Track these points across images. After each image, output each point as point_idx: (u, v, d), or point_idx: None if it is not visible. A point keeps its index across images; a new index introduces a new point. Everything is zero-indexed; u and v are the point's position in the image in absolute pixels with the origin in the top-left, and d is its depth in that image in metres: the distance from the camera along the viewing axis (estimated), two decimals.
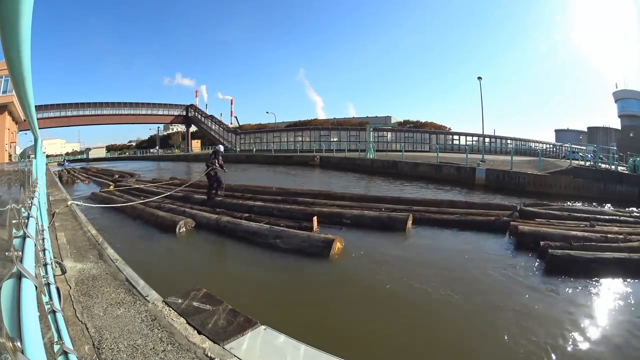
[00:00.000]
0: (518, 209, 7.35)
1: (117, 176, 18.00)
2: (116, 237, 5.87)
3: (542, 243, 5.05)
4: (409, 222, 6.54)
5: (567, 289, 4.04)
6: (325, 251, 4.82)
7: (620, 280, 4.18)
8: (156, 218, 7.16)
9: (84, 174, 21.94)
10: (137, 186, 12.43)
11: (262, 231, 5.67)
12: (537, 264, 4.75)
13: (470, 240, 6.00)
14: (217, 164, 9.06)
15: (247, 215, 6.96)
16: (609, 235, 5.20)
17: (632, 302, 3.73)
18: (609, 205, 9.19)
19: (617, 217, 6.72)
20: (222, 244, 5.83)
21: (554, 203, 8.61)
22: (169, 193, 9.74)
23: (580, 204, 9.43)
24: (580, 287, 4.07)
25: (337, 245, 5.03)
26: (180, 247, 5.63)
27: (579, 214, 6.87)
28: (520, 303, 3.71)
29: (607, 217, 6.78)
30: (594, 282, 4.17)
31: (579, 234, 5.38)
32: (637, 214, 7.24)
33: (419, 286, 4.09)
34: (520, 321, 3.32)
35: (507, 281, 4.30)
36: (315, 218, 6.26)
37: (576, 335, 3.09)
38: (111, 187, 13.06)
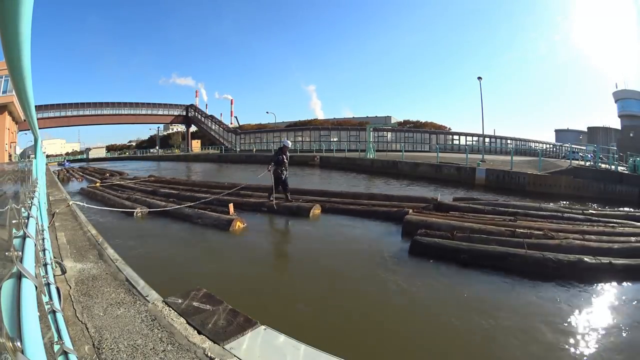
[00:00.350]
0: (437, 201, 7.72)
1: (107, 175, 19.59)
2: (97, 217, 7.90)
3: (419, 231, 5.43)
4: (316, 211, 7.69)
5: (417, 270, 4.60)
6: (227, 226, 6.60)
7: (492, 272, 4.38)
8: (120, 204, 9.02)
9: (80, 173, 23.49)
10: (118, 182, 14.26)
11: (191, 213, 7.67)
12: (407, 247, 5.22)
13: (362, 226, 6.80)
14: (285, 163, 8.00)
15: (190, 203, 8.46)
16: (519, 230, 5.30)
17: (480, 295, 3.89)
18: (594, 205, 9.19)
19: (560, 214, 6.69)
20: (165, 222, 7.60)
21: (486, 199, 9.12)
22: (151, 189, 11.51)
23: (533, 201, 9.24)
24: (430, 272, 4.52)
25: (237, 224, 6.69)
26: (135, 224, 7.69)
27: (508, 209, 7.06)
28: (365, 273, 4.51)
29: (544, 212, 6.83)
30: (453, 270, 4.50)
31: (477, 226, 5.58)
32: (605, 214, 7.06)
33: (289, 250, 5.89)
34: (354, 285, 4.17)
35: (368, 257, 5.06)
36: (231, 205, 7.75)
37: (381, 306, 3.67)
38: (97, 183, 14.50)
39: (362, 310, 3.56)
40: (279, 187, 8.08)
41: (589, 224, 5.98)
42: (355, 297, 3.87)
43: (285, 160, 8.01)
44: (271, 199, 7.99)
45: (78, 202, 8.17)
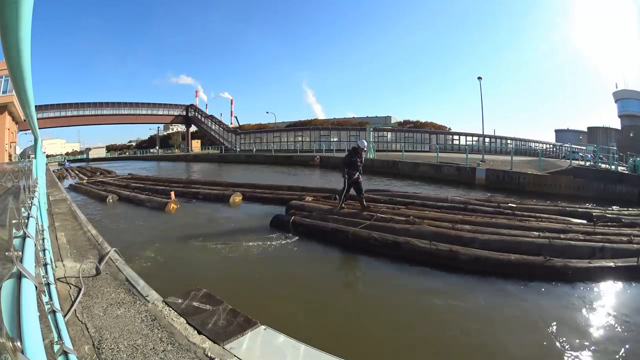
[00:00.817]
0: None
1: (98, 173, 22.61)
2: (79, 204, 9.77)
3: (291, 211, 7.43)
4: (236, 198, 10.13)
5: (272, 235, 6.37)
6: (164, 207, 9.18)
7: (321, 243, 5.91)
8: (99, 194, 12.00)
9: (75, 172, 26.37)
10: (102, 180, 16.96)
11: (142, 199, 10.45)
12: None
13: (265, 208, 8.96)
14: (360, 166, 7.15)
15: (147, 193, 11.40)
16: (380, 215, 6.49)
17: (303, 254, 5.58)
18: (558, 203, 9.18)
19: (463, 206, 7.50)
20: (127, 206, 10.43)
21: (397, 191, 10.72)
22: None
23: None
24: (277, 237, 6.24)
25: (172, 206, 9.27)
26: (106, 207, 10.45)
27: (405, 199, 8.22)
28: (235, 235, 6.58)
29: (443, 204, 7.77)
30: (294, 238, 6.10)
31: (347, 210, 7.02)
32: (532, 208, 7.55)
33: (194, 221, 8.10)
34: (224, 240, 6.13)
35: (248, 226, 7.23)
36: (172, 192, 10.27)
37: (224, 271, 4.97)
38: (84, 180, 16.90)
39: (222, 254, 5.48)
40: (350, 191, 7.24)
41: (500, 216, 6.64)
42: (219, 249, 5.76)
43: (359, 163, 7.12)
44: (342, 205, 7.15)
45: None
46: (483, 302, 3.87)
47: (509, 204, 7.78)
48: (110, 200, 10.84)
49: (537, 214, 6.87)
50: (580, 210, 7.48)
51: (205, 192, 11.24)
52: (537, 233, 5.33)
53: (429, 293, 4.06)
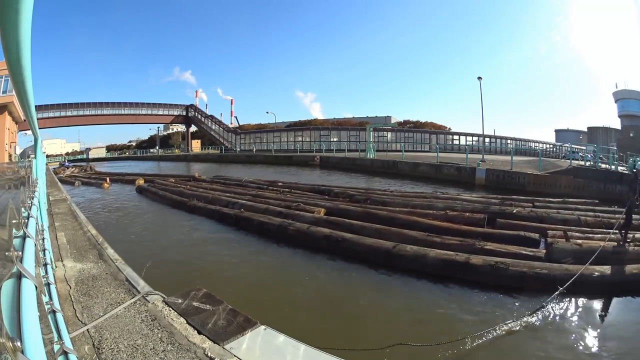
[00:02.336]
0: (242, 180, 14.63)
1: (88, 169, 29.61)
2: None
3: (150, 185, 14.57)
4: (139, 181, 16.34)
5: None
6: (101, 185, 16.99)
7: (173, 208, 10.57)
8: (69, 182, 18.85)
9: (71, 170, 30.52)
10: (74, 174, 24.32)
11: (94, 182, 18.35)
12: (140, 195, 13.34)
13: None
14: None
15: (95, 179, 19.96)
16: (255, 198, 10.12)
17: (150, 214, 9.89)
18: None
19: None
20: (86, 187, 17.39)
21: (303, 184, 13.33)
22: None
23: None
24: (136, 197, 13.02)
25: (105, 184, 16.90)
26: (73, 188, 17.02)
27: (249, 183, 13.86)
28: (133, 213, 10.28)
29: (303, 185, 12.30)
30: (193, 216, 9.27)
31: (181, 188, 13.05)
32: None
33: (100, 196, 13.99)
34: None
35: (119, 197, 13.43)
36: (108, 178, 18.81)
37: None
38: (66, 173, 25.37)
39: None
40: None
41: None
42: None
43: None
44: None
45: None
46: None
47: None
48: (77, 184, 18.55)
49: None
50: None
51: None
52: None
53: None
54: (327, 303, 4.25)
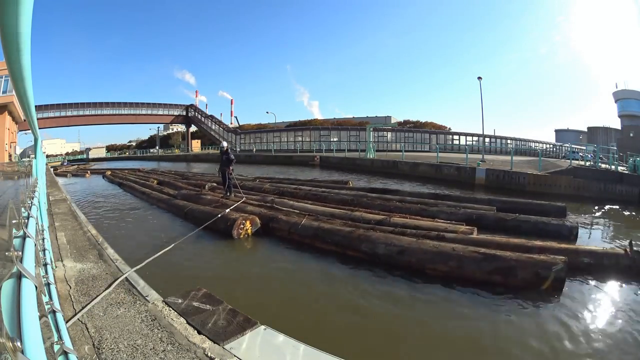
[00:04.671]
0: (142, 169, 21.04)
1: (83, 167, 34.97)
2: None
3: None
4: (107, 172, 21.45)
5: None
6: (84, 175, 25.11)
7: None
8: (64, 174, 25.40)
9: (68, 168, 34.21)
10: (65, 170, 29.29)
11: (78, 173, 26.59)
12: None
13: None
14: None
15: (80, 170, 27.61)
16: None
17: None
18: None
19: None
20: (78, 177, 23.97)
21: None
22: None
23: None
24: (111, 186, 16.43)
25: (87, 174, 25.32)
26: (66, 179, 22.84)
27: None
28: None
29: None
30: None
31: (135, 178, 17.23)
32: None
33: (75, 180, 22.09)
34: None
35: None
36: (90, 170, 28.82)
37: None
38: (61, 169, 30.21)
39: None
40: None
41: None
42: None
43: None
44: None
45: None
46: None
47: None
48: (68, 176, 23.76)
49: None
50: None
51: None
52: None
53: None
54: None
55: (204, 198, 8.97)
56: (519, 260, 4.13)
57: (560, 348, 3.00)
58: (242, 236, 6.05)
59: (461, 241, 5.03)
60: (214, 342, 2.42)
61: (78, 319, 2.66)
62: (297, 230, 5.88)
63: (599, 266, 4.57)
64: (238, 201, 8.04)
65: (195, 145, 60.20)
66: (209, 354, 2.26)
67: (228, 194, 9.18)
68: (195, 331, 2.56)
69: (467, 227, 6.03)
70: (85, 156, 67.85)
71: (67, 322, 2.51)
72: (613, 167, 13.57)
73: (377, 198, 8.89)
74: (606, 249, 5.03)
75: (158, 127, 62.25)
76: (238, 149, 45.40)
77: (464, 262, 4.31)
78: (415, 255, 4.62)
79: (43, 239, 2.81)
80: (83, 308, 2.83)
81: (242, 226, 6.04)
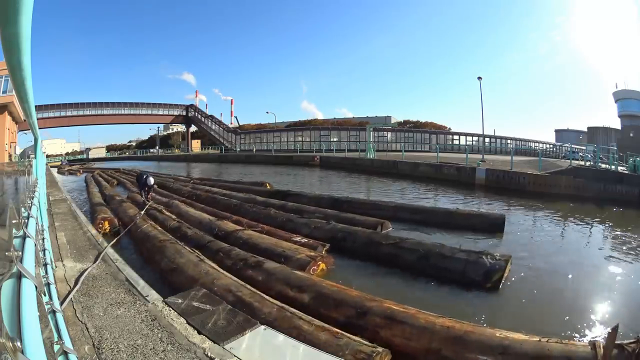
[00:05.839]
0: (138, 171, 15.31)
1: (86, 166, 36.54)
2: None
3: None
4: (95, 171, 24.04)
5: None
6: (76, 173, 28.13)
7: None
8: (62, 171, 29.72)
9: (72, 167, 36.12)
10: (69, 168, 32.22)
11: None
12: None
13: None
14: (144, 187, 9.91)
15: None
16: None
17: None
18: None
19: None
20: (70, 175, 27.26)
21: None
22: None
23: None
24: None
25: (79, 173, 27.59)
26: (63, 176, 26.18)
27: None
28: None
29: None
30: None
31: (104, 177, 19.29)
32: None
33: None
34: None
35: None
36: (80, 170, 30.15)
37: None
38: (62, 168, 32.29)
39: None
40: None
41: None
42: None
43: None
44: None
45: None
46: None
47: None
48: (65, 173, 27.03)
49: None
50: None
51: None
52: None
53: None
54: None
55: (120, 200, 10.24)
56: None
57: None
58: (106, 230, 6.86)
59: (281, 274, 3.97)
60: (214, 342, 2.42)
61: (78, 318, 2.67)
62: (136, 234, 6.29)
63: None
64: (147, 204, 8.86)
65: (195, 146, 60.20)
66: (209, 354, 2.26)
67: (145, 199, 9.85)
68: (195, 331, 2.56)
69: (312, 253, 4.79)
70: (85, 156, 67.86)
71: (61, 303, 2.52)
72: (613, 167, 13.57)
73: (262, 204, 8.97)
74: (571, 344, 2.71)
75: (158, 127, 62.26)
76: (238, 149, 45.41)
77: None
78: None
79: (43, 239, 2.81)
80: (75, 286, 2.83)
81: (100, 225, 6.93)
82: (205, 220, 7.18)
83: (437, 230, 6.74)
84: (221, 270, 4.03)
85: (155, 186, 11.32)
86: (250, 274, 4.12)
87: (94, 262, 3.98)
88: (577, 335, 3.21)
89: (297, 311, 3.01)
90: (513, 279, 4.45)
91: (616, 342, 2.47)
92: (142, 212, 7.75)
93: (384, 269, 4.79)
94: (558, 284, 4.43)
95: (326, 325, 2.81)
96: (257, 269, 4.19)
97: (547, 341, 2.64)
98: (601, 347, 2.46)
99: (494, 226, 6.85)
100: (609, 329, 2.78)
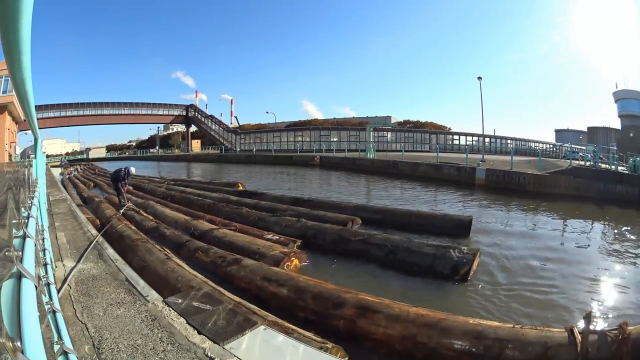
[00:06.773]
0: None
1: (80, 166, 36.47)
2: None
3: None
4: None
5: None
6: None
7: None
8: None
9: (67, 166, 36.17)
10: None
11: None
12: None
13: None
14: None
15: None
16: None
17: None
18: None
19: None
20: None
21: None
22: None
23: None
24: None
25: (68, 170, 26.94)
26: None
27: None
28: None
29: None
30: None
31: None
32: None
33: None
34: None
35: None
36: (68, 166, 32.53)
37: None
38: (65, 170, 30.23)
39: None
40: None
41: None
42: None
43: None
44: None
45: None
46: None
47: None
48: (65, 173, 24.39)
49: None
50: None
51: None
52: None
53: None
54: None
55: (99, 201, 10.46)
56: None
57: None
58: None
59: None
60: (214, 342, 2.42)
61: (78, 318, 2.67)
62: (111, 233, 6.09)
63: None
64: (123, 205, 8.88)
65: (195, 146, 60.22)
66: (209, 354, 2.26)
67: (121, 200, 9.56)
68: (195, 331, 2.56)
69: (285, 249, 4.91)
70: (85, 156, 67.88)
71: (58, 291, 2.52)
72: (613, 167, 13.57)
73: (236, 203, 9.15)
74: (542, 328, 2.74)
75: (158, 127, 62.28)
76: (238, 149, 45.41)
77: None
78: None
79: (43, 239, 2.81)
80: (71, 271, 2.83)
81: None
82: (181, 220, 7.22)
83: (397, 233, 6.11)
84: (186, 267, 4.18)
85: (130, 187, 11.21)
86: (230, 270, 4.30)
87: (77, 261, 3.99)
88: (551, 324, 3.24)
89: (252, 306, 3.13)
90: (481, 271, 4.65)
91: (599, 329, 2.53)
92: (120, 212, 7.77)
93: (354, 263, 4.92)
94: (527, 278, 4.58)
95: (279, 320, 2.91)
96: (235, 265, 4.36)
97: (521, 327, 2.73)
98: (578, 332, 2.49)
99: (459, 229, 6.38)
100: (583, 315, 2.89)
